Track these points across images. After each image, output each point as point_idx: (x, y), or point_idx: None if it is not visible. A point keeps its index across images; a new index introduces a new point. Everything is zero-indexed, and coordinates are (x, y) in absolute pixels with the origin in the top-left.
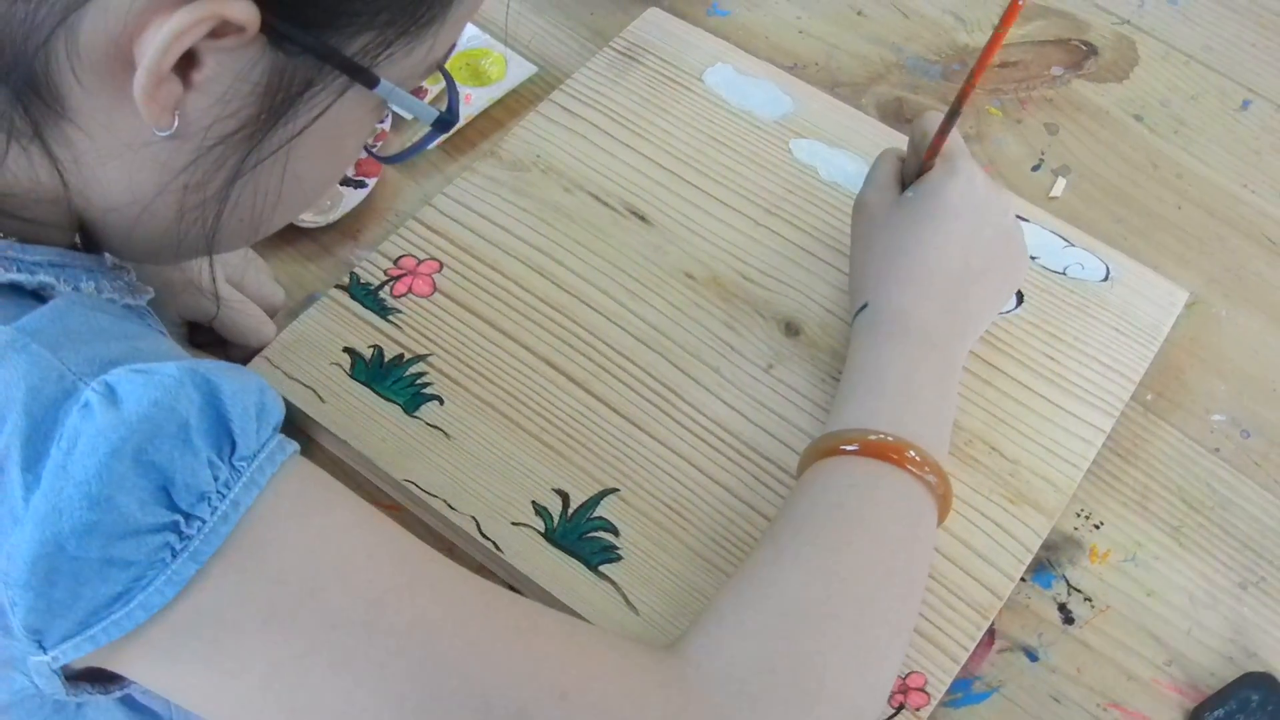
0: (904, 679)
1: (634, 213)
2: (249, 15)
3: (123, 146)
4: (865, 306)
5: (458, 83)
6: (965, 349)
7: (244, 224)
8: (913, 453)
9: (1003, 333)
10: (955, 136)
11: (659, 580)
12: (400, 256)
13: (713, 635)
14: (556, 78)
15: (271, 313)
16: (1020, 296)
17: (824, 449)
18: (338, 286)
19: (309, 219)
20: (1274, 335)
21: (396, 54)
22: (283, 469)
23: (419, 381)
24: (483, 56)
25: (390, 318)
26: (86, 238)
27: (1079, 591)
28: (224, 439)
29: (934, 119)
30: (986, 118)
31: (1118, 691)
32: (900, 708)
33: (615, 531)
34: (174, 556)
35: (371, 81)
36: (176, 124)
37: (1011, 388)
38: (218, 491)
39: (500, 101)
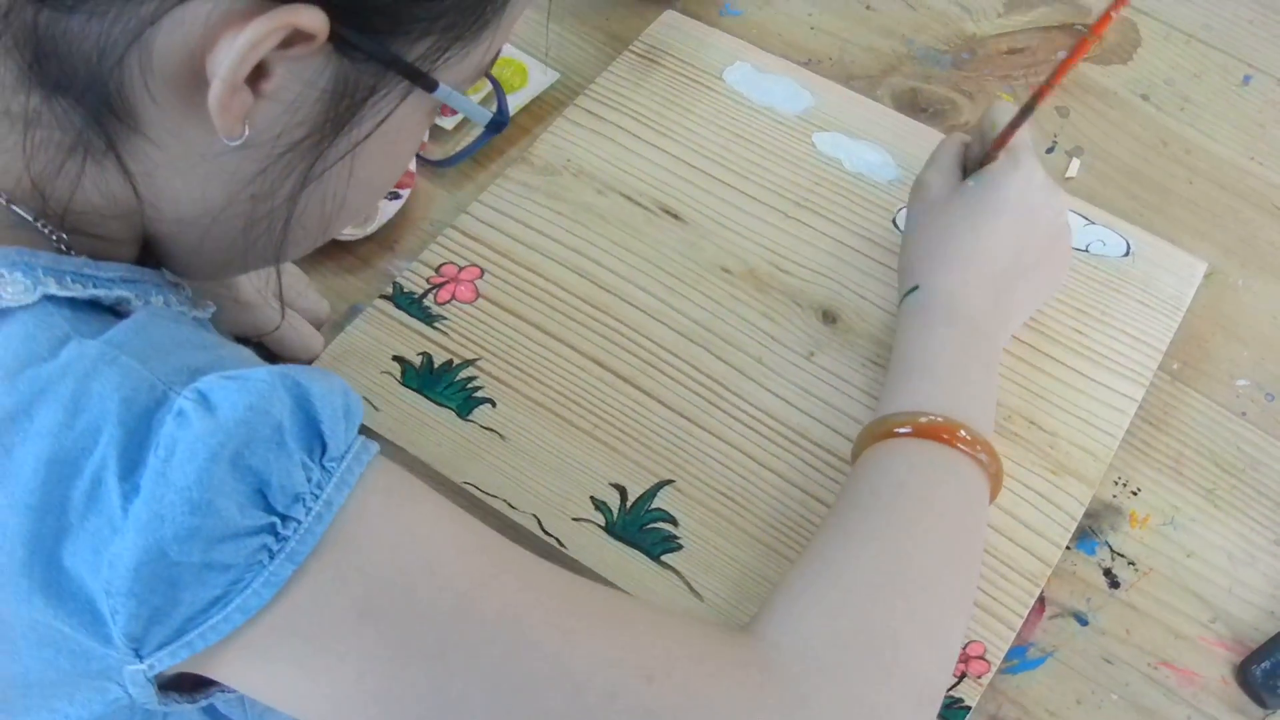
0: (964, 649)
1: (667, 211)
2: (319, 24)
3: (195, 158)
4: (916, 288)
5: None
6: (1006, 338)
7: (309, 230)
8: (964, 433)
9: (1035, 312)
10: (1022, 132)
11: (721, 567)
12: (441, 264)
13: (787, 614)
14: (578, 83)
15: (317, 325)
16: None
17: (878, 432)
18: (382, 297)
19: (347, 232)
20: None
21: (453, 58)
22: (369, 467)
23: (470, 386)
24: (504, 65)
25: (436, 325)
26: (147, 254)
27: (1122, 556)
28: (315, 440)
29: (1004, 110)
30: (999, 103)
31: (1166, 650)
32: (963, 676)
33: (674, 522)
34: (271, 558)
35: (431, 86)
36: (247, 133)
37: (1044, 363)
38: (311, 493)
39: (525, 109)
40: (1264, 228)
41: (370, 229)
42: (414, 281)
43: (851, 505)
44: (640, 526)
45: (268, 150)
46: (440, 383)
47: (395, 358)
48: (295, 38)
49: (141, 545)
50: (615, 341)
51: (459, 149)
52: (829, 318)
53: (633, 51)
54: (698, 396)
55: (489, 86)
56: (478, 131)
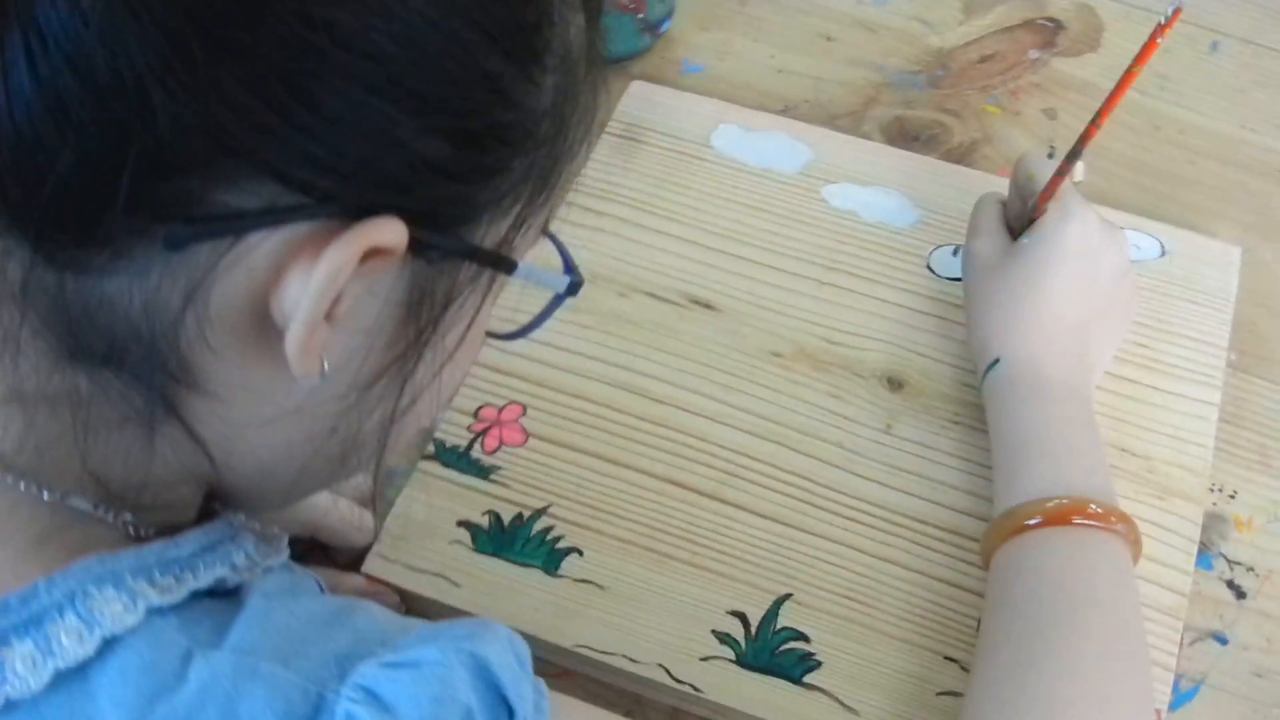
0: None
1: (697, 302)
2: (399, 236)
3: (271, 407)
4: (997, 362)
5: None
6: (1094, 390)
7: (398, 448)
8: (1094, 507)
9: None
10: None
11: (865, 674)
12: (479, 408)
13: None
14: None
15: (364, 504)
16: None
17: (1009, 528)
18: (425, 457)
19: None
20: None
21: (529, 231)
22: (552, 714)
23: (550, 537)
24: None
25: (493, 477)
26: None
27: (1240, 564)
28: (502, 710)
29: (1036, 160)
30: (987, 117)
31: None
32: None
33: (806, 638)
34: None
35: (512, 268)
36: (326, 369)
37: (1118, 385)
38: None
39: None
40: (1275, 196)
41: None
42: (454, 434)
43: (1017, 618)
44: (772, 651)
45: (351, 381)
46: (517, 541)
47: (460, 523)
48: (374, 254)
49: None
50: (686, 456)
51: (529, 319)
52: (895, 384)
53: (610, 133)
54: (788, 498)
55: None
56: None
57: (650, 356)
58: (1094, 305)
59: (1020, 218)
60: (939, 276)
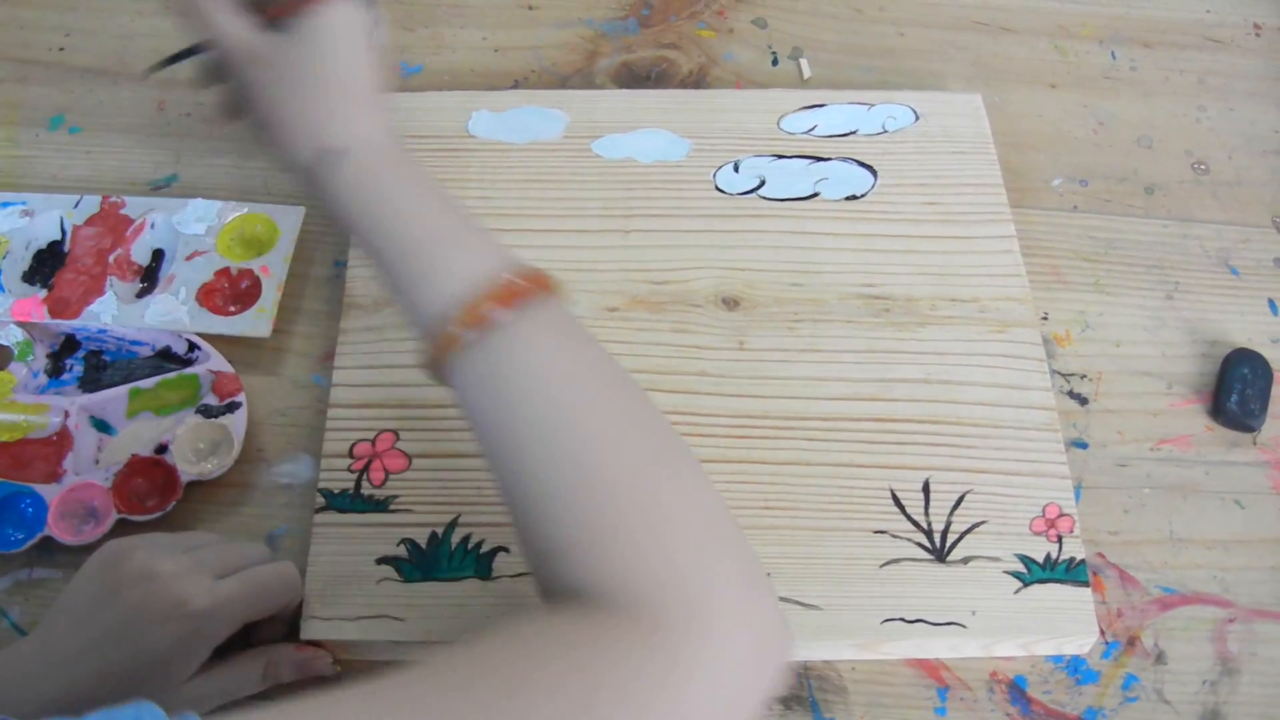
0: (1045, 514)
1: None
2: None
3: None
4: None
5: (238, 262)
6: None
7: None
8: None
9: (886, 205)
10: None
11: (811, 572)
12: (351, 447)
13: None
14: None
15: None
16: (874, 171)
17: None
18: (319, 510)
19: (203, 472)
20: (1039, 95)
21: None
22: None
23: (471, 545)
24: (244, 224)
25: (392, 507)
26: None
27: (1073, 375)
28: None
29: None
30: (704, 42)
31: (1155, 430)
32: (1060, 539)
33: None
34: None
35: None
36: None
37: (926, 245)
38: None
39: (296, 256)
40: (983, 45)
41: (232, 456)
42: (338, 479)
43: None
44: None
45: None
46: (441, 558)
47: (379, 560)
48: None
49: None
50: None
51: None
52: (730, 303)
53: None
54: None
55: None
56: None
57: None
58: None
59: None
60: (729, 194)
